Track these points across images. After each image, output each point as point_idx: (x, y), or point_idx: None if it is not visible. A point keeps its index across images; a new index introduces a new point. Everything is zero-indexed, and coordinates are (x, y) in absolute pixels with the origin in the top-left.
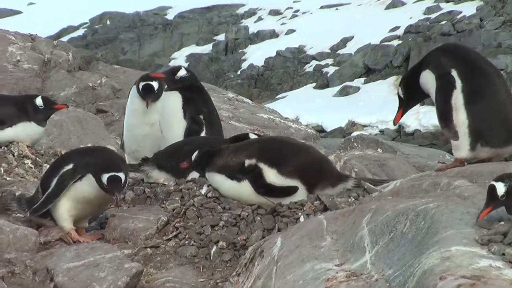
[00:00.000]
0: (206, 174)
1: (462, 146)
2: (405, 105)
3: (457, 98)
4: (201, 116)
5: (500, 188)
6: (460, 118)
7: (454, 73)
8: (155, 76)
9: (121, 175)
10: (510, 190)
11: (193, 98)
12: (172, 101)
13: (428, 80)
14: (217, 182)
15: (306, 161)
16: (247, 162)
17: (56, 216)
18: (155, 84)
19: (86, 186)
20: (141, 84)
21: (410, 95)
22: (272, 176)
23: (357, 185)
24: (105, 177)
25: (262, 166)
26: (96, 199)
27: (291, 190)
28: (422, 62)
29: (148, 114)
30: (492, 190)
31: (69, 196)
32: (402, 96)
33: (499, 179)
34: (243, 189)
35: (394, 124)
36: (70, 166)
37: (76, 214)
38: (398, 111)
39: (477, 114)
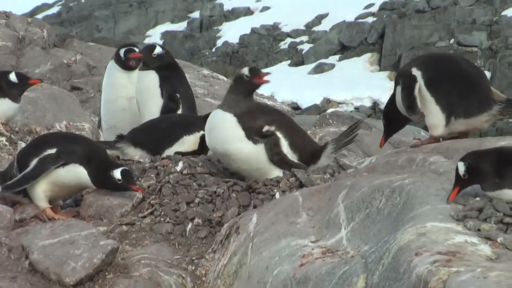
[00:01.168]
0: (222, 110)
1: (437, 124)
2: (387, 131)
3: (420, 85)
4: (178, 95)
5: (461, 168)
6: (427, 98)
7: (413, 70)
8: (134, 56)
9: (127, 168)
10: (469, 169)
11: (169, 77)
12: (149, 80)
13: (399, 94)
14: (230, 132)
15: (307, 142)
16: (267, 128)
17: (32, 195)
18: (136, 49)
19: (68, 174)
20: (123, 49)
21: (391, 122)
22: (284, 146)
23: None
24: (117, 173)
25: (279, 135)
26: (75, 186)
27: (297, 166)
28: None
29: (126, 87)
30: (457, 169)
31: (48, 179)
32: (384, 123)
33: (462, 158)
34: (257, 152)
35: (380, 147)
36: (53, 150)
37: (52, 195)
38: (382, 136)
39: (441, 90)
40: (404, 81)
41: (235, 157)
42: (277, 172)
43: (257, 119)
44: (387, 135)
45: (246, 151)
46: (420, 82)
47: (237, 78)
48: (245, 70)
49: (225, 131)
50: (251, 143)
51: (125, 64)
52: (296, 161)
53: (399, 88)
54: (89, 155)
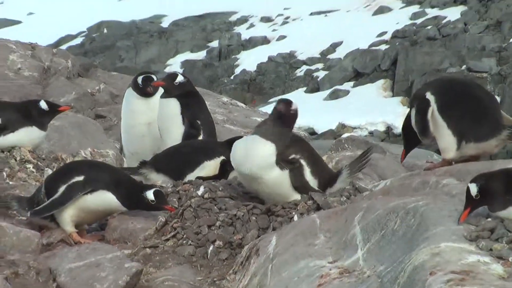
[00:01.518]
0: (258, 135)
1: (449, 147)
2: (407, 147)
3: (433, 109)
4: (199, 121)
5: (473, 189)
6: (439, 122)
7: (427, 94)
8: (157, 84)
9: (159, 189)
10: (482, 190)
11: (190, 104)
12: (171, 107)
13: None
14: (262, 154)
15: (325, 168)
16: (293, 156)
17: (59, 219)
18: (154, 77)
19: (96, 200)
20: (140, 77)
21: (409, 139)
22: (307, 173)
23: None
24: (150, 194)
25: (303, 162)
26: (103, 211)
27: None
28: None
29: (144, 114)
30: (468, 191)
31: (75, 205)
32: (403, 139)
33: (473, 179)
34: (281, 177)
35: (401, 162)
36: (81, 177)
37: (78, 221)
38: (402, 151)
39: (454, 115)
40: (418, 105)
41: (262, 180)
42: (296, 197)
43: (288, 147)
44: (407, 151)
45: (273, 176)
46: (433, 107)
47: (280, 110)
48: (293, 104)
49: (261, 156)
50: (278, 169)
51: (143, 91)
52: (315, 187)
53: (413, 111)
54: (115, 180)
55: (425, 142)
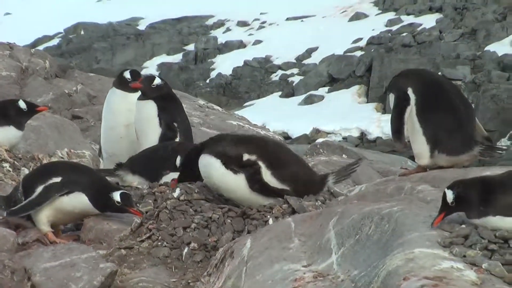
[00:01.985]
0: (202, 155)
1: (422, 154)
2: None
3: (412, 111)
4: (175, 124)
5: (449, 195)
6: (415, 127)
7: (409, 91)
8: (134, 86)
9: (127, 192)
10: (458, 197)
11: (167, 107)
12: (148, 109)
13: (391, 102)
14: (211, 166)
15: (300, 171)
16: (246, 157)
17: (35, 219)
18: (141, 73)
19: (72, 201)
20: (127, 71)
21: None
22: (268, 176)
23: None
24: (116, 195)
25: (261, 164)
26: (77, 213)
27: (284, 194)
28: (387, 88)
29: (123, 114)
30: (444, 196)
31: (52, 206)
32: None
33: (450, 186)
34: (237, 181)
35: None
36: (59, 179)
37: (55, 221)
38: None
39: (431, 122)
40: (398, 99)
41: (215, 181)
42: (262, 200)
43: (236, 148)
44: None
45: (226, 182)
46: (413, 108)
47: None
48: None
49: (204, 162)
50: (231, 173)
51: (129, 86)
52: (282, 188)
53: (392, 101)
54: (90, 183)
55: (397, 146)
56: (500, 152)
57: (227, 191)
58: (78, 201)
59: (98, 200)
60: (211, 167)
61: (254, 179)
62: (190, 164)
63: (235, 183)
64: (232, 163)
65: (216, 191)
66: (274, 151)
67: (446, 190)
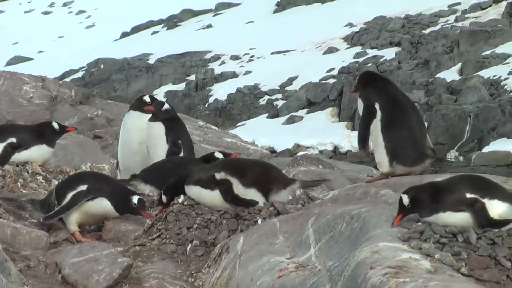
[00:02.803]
0: (185, 187)
1: (382, 163)
2: None
3: (376, 125)
4: (180, 141)
5: (405, 199)
6: (379, 140)
7: (377, 105)
8: (148, 109)
9: (143, 198)
10: (412, 200)
11: (173, 127)
12: (157, 129)
13: (359, 106)
14: (194, 192)
15: (260, 172)
16: (218, 176)
17: (66, 221)
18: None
19: (96, 206)
20: (147, 96)
21: None
22: (239, 187)
23: (302, 186)
24: (135, 199)
25: (230, 178)
26: (101, 215)
27: (252, 203)
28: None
29: (138, 133)
30: (400, 200)
31: (79, 210)
32: None
33: (405, 191)
34: (215, 197)
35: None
36: (85, 187)
37: (82, 222)
38: None
39: (391, 138)
40: (366, 111)
41: (200, 201)
42: (234, 208)
43: (208, 172)
44: None
45: (206, 198)
46: (378, 123)
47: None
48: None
49: (188, 188)
50: (208, 191)
51: (143, 109)
52: (251, 194)
53: (360, 109)
54: (112, 190)
55: (361, 154)
56: (448, 164)
57: (206, 204)
58: (101, 205)
59: (119, 204)
60: (192, 192)
61: (227, 193)
62: (174, 193)
63: (212, 198)
64: (208, 183)
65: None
66: (235, 164)
67: (402, 195)
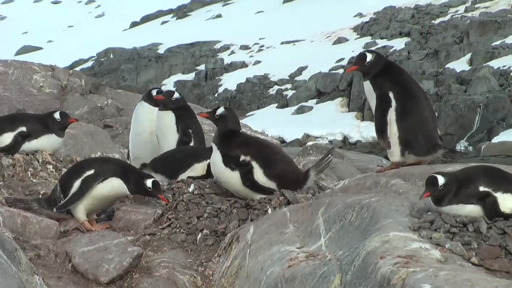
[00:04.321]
0: (212, 143)
1: (394, 153)
2: None
3: (391, 115)
4: (190, 131)
5: (441, 180)
6: (393, 130)
7: (391, 95)
8: (157, 98)
9: (157, 180)
10: (446, 183)
11: (183, 116)
12: (168, 118)
13: (368, 90)
14: (214, 160)
15: (286, 170)
16: (242, 158)
17: (74, 209)
18: (163, 90)
19: (107, 186)
20: (154, 90)
21: None
22: (259, 174)
23: (317, 173)
24: (149, 182)
25: (254, 164)
26: (111, 197)
27: (270, 191)
28: (367, 71)
29: (148, 123)
30: (433, 180)
31: (90, 195)
32: None
33: (438, 173)
34: (233, 178)
35: None
36: (92, 171)
37: (90, 209)
38: None
39: (405, 129)
40: (380, 100)
41: (219, 180)
42: (250, 194)
43: (234, 149)
44: None
45: (225, 177)
46: (392, 113)
47: (221, 116)
48: (221, 109)
49: (213, 158)
50: (228, 169)
51: (154, 101)
52: (271, 187)
53: (369, 87)
54: (121, 169)
55: (382, 144)
56: (460, 155)
57: (224, 183)
58: (111, 185)
59: (131, 182)
60: (215, 162)
61: (247, 177)
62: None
63: (231, 178)
64: (231, 161)
65: (218, 181)
66: (266, 152)
67: (437, 175)
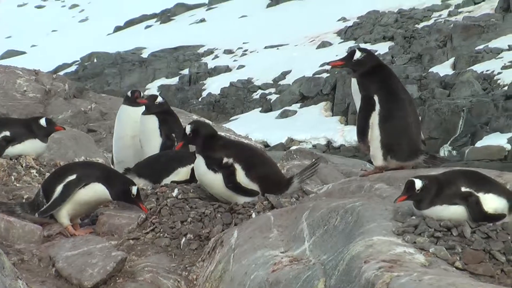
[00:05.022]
0: (196, 154)
1: (377, 157)
2: None
3: (374, 118)
4: (174, 135)
5: (418, 184)
6: (375, 134)
7: (375, 98)
8: (141, 102)
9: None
10: (424, 188)
11: (167, 120)
12: (151, 122)
13: (354, 89)
14: (197, 164)
15: (268, 173)
16: (225, 160)
17: (57, 215)
18: (139, 91)
19: (89, 192)
20: (130, 91)
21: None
22: (241, 176)
23: (300, 181)
24: (134, 189)
25: (236, 166)
26: (93, 203)
27: (252, 193)
28: (353, 69)
29: (130, 126)
30: (411, 184)
31: (72, 200)
32: None
33: (417, 177)
34: (216, 180)
35: None
36: (74, 176)
37: (73, 214)
38: None
39: (387, 133)
40: (364, 102)
41: (202, 183)
42: (238, 198)
43: (216, 152)
44: None
45: (206, 177)
46: (375, 117)
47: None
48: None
49: (196, 163)
50: (211, 172)
51: (133, 102)
52: (254, 188)
53: (355, 85)
54: (104, 174)
55: (361, 148)
56: (440, 161)
57: (207, 186)
58: (94, 190)
59: (113, 188)
60: (198, 166)
61: (229, 179)
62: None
63: (214, 180)
64: (213, 164)
65: (201, 185)
66: (249, 155)
67: (414, 179)
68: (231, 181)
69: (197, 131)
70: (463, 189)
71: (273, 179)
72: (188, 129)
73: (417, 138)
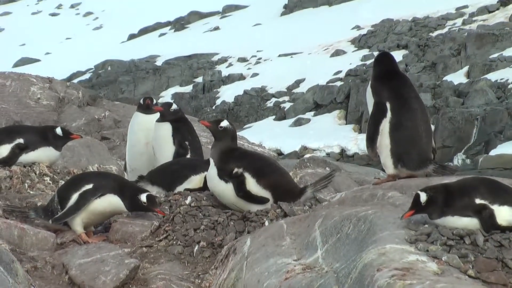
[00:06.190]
0: (210, 157)
1: (388, 165)
2: None
3: (385, 126)
4: (187, 143)
5: (423, 197)
6: (385, 142)
7: (388, 105)
8: (156, 109)
9: (152, 194)
10: (430, 200)
11: (180, 128)
12: (164, 130)
13: (367, 94)
14: (210, 174)
15: (279, 180)
16: (236, 170)
17: (71, 222)
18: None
19: (104, 203)
20: (142, 98)
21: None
22: (251, 184)
23: (314, 191)
24: (143, 197)
25: (246, 175)
26: (108, 213)
27: (263, 200)
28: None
29: (143, 133)
30: (417, 197)
31: (87, 210)
32: None
33: (423, 189)
34: (227, 189)
35: None
36: (91, 185)
37: (87, 222)
38: None
39: (397, 142)
40: (376, 108)
41: (214, 193)
42: (250, 206)
43: (229, 164)
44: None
45: (220, 189)
46: (386, 124)
47: (224, 129)
48: (222, 122)
49: (209, 173)
50: (223, 183)
51: (146, 109)
52: (265, 196)
53: (368, 93)
54: (119, 185)
55: (369, 153)
56: (450, 172)
57: (219, 196)
58: (109, 202)
59: (128, 200)
60: (210, 176)
61: (240, 187)
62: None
63: (225, 190)
64: (225, 174)
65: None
66: (259, 163)
67: (419, 192)
68: (241, 190)
69: (228, 132)
70: (477, 201)
71: (285, 187)
72: (224, 124)
73: (427, 147)
